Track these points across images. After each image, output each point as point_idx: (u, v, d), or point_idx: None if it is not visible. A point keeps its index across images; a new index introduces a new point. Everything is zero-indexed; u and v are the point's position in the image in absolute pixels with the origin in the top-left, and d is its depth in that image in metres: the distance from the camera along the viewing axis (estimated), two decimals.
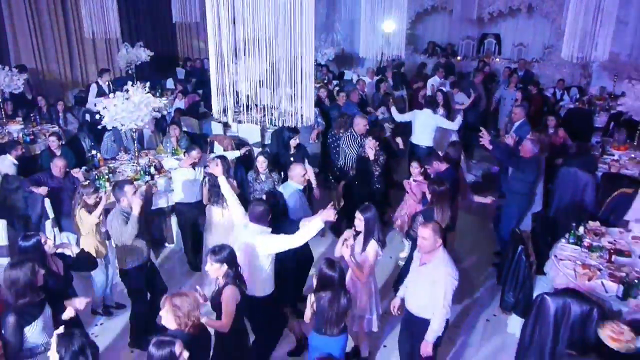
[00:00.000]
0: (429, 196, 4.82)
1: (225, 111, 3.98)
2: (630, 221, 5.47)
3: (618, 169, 6.80)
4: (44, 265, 3.55)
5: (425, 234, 3.74)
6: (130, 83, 6.58)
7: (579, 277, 4.37)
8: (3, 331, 3.18)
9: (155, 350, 2.65)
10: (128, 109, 6.46)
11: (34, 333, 3.27)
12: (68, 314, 3.56)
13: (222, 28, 3.72)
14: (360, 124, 6.53)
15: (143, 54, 10.87)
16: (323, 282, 3.66)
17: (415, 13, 14.45)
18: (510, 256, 4.96)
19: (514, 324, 4.92)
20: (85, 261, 4.22)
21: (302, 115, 3.95)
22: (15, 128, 8.53)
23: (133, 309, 4.81)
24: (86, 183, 5.60)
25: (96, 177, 6.48)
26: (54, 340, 2.70)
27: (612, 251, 4.74)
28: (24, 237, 3.78)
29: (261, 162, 5.62)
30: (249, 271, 3.96)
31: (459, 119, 7.37)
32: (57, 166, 5.86)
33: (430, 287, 3.76)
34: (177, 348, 2.66)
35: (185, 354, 2.68)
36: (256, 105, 4.28)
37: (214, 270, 3.58)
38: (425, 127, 7.38)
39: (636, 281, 4.19)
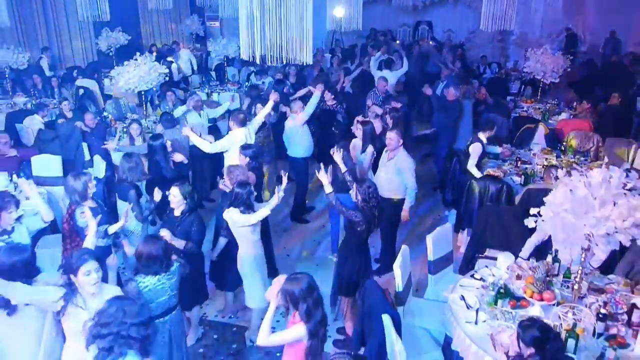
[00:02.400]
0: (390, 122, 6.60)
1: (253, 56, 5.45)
2: (533, 143, 7.56)
3: (525, 116, 8.91)
4: None
5: (391, 135, 5.53)
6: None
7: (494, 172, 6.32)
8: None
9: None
10: (139, 74, 7.91)
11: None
12: None
13: None
14: None
15: (122, 37, 12.08)
16: None
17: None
18: (447, 167, 6.88)
19: (452, 216, 6.79)
20: None
21: None
22: (20, 101, 9.66)
23: None
24: None
25: (115, 130, 7.88)
26: None
27: (518, 159, 6.73)
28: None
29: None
30: None
31: (405, 64, 9.41)
32: (89, 119, 7.23)
33: (398, 175, 5.54)
34: None
35: None
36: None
37: None
38: (392, 81, 9.32)
39: (533, 170, 6.19)
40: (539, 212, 3.71)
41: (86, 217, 3.97)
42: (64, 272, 3.18)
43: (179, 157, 6.10)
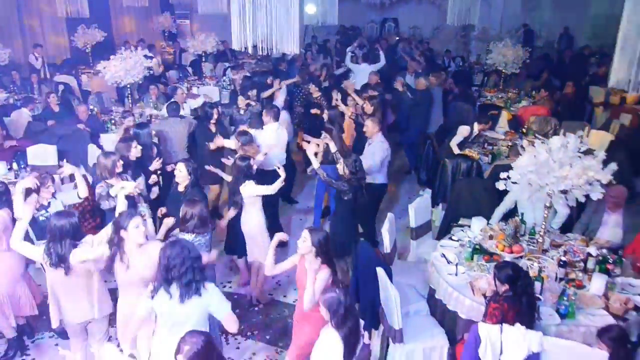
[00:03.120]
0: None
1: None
2: (497, 127, 8.22)
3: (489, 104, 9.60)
4: None
5: (368, 123, 6.05)
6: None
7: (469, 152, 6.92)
8: None
9: None
10: (125, 68, 8.21)
11: None
12: None
13: None
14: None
15: (98, 34, 12.26)
16: None
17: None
18: (421, 151, 7.47)
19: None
20: None
21: None
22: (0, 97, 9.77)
23: None
24: None
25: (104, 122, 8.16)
26: None
27: (485, 141, 7.36)
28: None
29: None
30: None
31: (383, 58, 10.05)
32: (81, 111, 7.50)
33: (372, 157, 6.04)
34: None
35: None
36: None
37: None
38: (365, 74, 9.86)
39: (499, 150, 6.82)
40: (508, 176, 4.29)
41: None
42: (114, 231, 3.58)
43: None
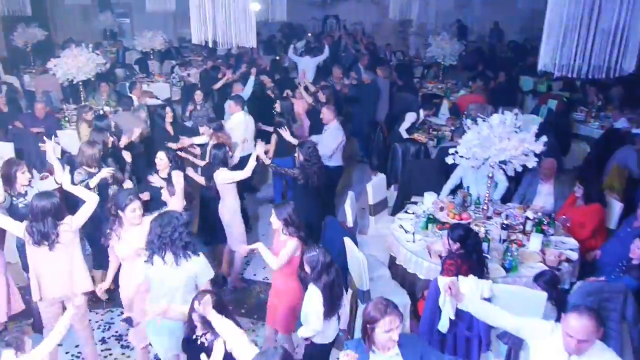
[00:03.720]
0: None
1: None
2: (440, 114, 8.85)
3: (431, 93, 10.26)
4: None
5: (324, 110, 6.49)
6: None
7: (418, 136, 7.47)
8: None
9: None
10: (77, 65, 8.23)
11: None
12: None
13: None
14: None
15: (38, 33, 12.02)
16: None
17: None
18: (372, 138, 7.97)
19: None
20: None
21: None
22: None
23: None
24: None
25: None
26: None
27: (429, 127, 7.95)
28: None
29: None
30: None
31: (327, 51, 10.52)
32: (39, 109, 7.47)
33: (329, 142, 6.47)
34: None
35: None
36: None
37: None
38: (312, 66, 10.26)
39: (443, 134, 7.41)
40: (456, 151, 4.82)
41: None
42: (114, 209, 3.84)
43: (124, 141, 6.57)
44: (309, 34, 16.56)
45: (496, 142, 4.59)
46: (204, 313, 2.95)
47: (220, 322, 2.92)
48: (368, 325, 2.74)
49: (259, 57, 11.81)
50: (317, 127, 7.08)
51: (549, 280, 3.88)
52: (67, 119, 8.18)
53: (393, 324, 2.70)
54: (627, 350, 4.03)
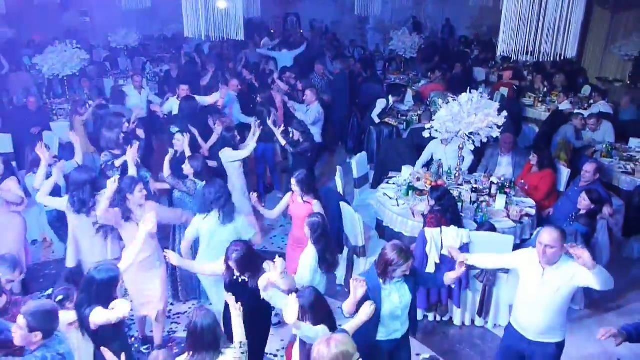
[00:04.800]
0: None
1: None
2: (406, 101, 9.67)
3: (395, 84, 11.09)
4: None
5: (307, 92, 7.16)
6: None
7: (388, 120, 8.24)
8: None
9: None
10: (62, 60, 8.57)
11: None
12: None
13: None
14: None
15: (9, 32, 12.15)
16: None
17: None
18: (346, 123, 8.71)
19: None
20: None
21: None
22: None
23: None
24: None
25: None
26: None
27: (398, 112, 8.73)
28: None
29: None
30: None
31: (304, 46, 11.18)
32: (31, 102, 7.78)
33: (307, 118, 7.17)
34: None
35: None
36: None
37: None
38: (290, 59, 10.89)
39: (411, 118, 8.22)
40: (431, 125, 5.60)
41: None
42: (122, 193, 4.32)
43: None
44: (272, 31, 17.16)
45: (465, 117, 5.39)
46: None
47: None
48: (390, 267, 3.41)
49: (229, 52, 12.35)
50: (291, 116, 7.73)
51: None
52: (54, 112, 8.50)
53: (411, 263, 3.41)
54: None
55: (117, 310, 3.18)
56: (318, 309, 3.20)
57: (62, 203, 4.46)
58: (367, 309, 3.19)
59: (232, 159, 5.74)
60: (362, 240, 5.02)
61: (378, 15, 15.55)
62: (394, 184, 6.10)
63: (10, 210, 4.99)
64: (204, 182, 4.86)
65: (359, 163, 6.52)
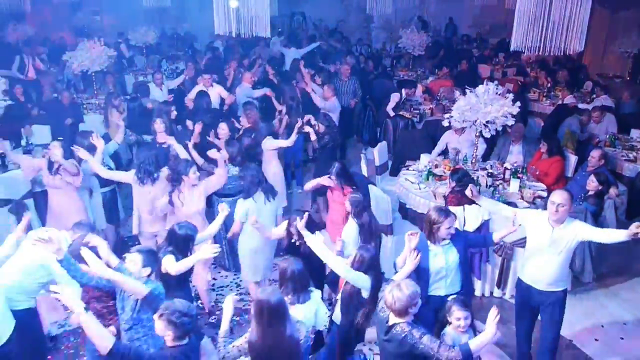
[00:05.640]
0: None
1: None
2: (416, 96, 10.13)
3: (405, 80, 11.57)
4: None
5: (326, 88, 7.61)
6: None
7: (403, 113, 8.70)
8: None
9: None
10: (92, 57, 9.00)
11: None
12: None
13: None
14: None
15: (29, 30, 12.54)
16: None
17: None
18: (362, 116, 9.17)
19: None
20: None
21: None
22: None
23: None
24: None
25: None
26: None
27: (411, 106, 9.20)
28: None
29: None
30: None
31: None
32: (65, 97, 8.19)
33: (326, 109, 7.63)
34: None
35: None
36: None
37: None
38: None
39: (424, 111, 8.67)
40: (451, 115, 6.06)
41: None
42: (179, 174, 4.84)
43: None
44: (279, 29, 17.61)
45: (482, 107, 5.86)
46: (298, 228, 4.06)
47: (307, 235, 3.99)
48: (434, 226, 3.90)
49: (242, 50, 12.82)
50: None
51: None
52: (84, 106, 8.93)
53: (452, 222, 3.88)
54: None
55: (199, 254, 3.78)
56: (373, 263, 3.77)
57: (128, 176, 5.07)
58: (413, 259, 3.65)
59: (273, 147, 6.20)
60: (390, 219, 5.48)
61: (387, 14, 16.10)
62: (414, 170, 6.56)
63: (70, 192, 5.41)
64: (238, 167, 5.41)
65: (380, 152, 6.99)
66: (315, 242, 3.88)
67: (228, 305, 3.30)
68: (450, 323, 3.46)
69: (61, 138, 6.66)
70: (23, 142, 6.95)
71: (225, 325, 3.26)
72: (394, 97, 8.79)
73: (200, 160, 5.68)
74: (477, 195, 4.55)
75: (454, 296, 3.64)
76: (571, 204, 3.87)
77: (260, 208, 4.76)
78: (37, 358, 3.88)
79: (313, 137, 6.67)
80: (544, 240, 3.95)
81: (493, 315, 3.13)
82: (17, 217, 5.53)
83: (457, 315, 3.40)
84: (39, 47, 13.68)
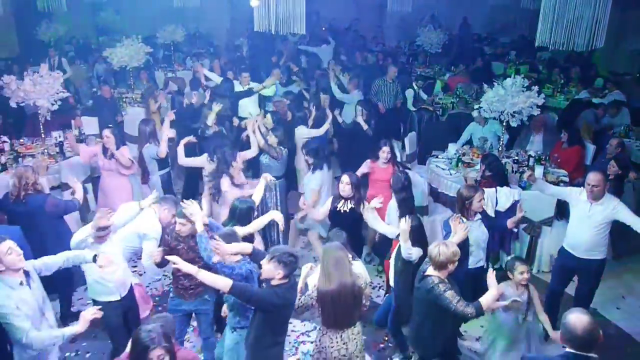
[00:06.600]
0: None
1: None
2: (436, 91, 10.59)
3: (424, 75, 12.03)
4: None
5: (350, 86, 8.08)
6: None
7: (426, 106, 9.16)
8: None
9: None
10: (129, 53, 9.49)
11: None
12: None
13: None
14: None
15: (60, 28, 13.02)
16: None
17: None
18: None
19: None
20: None
21: None
22: None
23: None
24: None
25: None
26: None
27: (432, 100, 9.66)
28: None
29: None
30: None
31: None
32: (105, 91, 8.67)
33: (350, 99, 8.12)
34: None
35: None
36: None
37: None
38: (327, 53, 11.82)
39: (447, 105, 9.14)
40: (480, 106, 6.53)
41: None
42: (227, 163, 5.33)
43: None
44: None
45: (509, 98, 6.32)
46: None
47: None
48: (466, 202, 4.37)
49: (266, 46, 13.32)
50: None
51: None
52: (124, 100, 9.41)
53: (482, 195, 4.36)
54: None
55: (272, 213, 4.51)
56: (420, 232, 4.23)
57: (202, 161, 5.68)
58: (461, 231, 4.12)
59: (305, 135, 6.67)
60: (426, 201, 5.95)
61: (402, 13, 16.54)
62: (443, 158, 7.03)
63: (121, 175, 6.04)
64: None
65: (410, 141, 7.46)
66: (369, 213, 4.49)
67: (305, 268, 3.78)
68: (510, 279, 3.98)
69: (111, 125, 7.20)
70: (75, 132, 7.42)
71: (301, 283, 3.74)
72: (409, 94, 9.27)
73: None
74: (534, 178, 5.04)
75: (513, 256, 4.15)
76: (604, 185, 4.36)
77: (325, 178, 5.66)
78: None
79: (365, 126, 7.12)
80: (582, 214, 4.51)
81: (492, 277, 3.63)
82: None
83: (520, 270, 3.93)
84: (66, 45, 14.29)
